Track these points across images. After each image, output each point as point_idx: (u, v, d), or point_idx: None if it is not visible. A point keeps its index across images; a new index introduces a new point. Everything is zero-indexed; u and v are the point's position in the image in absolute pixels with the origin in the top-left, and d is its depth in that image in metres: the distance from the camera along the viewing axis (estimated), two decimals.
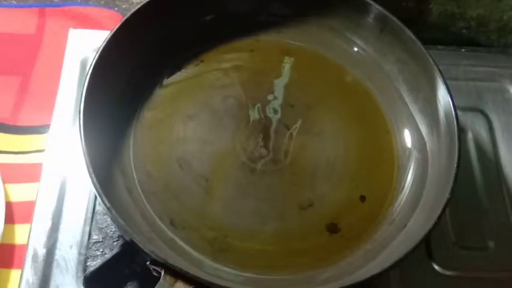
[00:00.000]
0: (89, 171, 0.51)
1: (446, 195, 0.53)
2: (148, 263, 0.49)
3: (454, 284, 0.62)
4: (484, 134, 0.72)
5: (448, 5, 0.78)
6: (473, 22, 0.80)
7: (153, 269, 0.49)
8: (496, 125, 0.73)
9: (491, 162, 0.70)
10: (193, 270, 0.48)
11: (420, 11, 0.79)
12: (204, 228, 0.56)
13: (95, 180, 0.50)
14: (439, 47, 0.76)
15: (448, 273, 0.62)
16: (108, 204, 0.50)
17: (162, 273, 0.48)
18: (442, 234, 0.64)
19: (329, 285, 0.52)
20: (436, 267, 0.62)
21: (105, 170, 0.54)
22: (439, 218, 0.52)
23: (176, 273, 0.48)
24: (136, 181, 0.58)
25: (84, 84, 0.55)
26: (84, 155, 0.51)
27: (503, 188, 0.68)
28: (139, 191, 0.57)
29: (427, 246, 0.63)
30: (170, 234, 0.56)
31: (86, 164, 0.51)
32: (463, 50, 0.80)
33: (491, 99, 0.75)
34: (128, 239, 0.51)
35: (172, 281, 0.48)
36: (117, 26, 0.59)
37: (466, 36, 0.81)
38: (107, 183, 0.52)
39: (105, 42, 0.58)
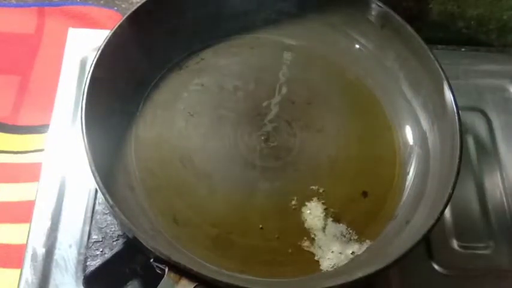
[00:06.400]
0: (91, 169, 0.51)
1: (449, 190, 0.53)
2: (151, 260, 0.49)
3: (454, 284, 0.62)
4: (484, 133, 0.72)
5: (448, 4, 0.78)
6: (473, 21, 0.80)
7: (157, 266, 0.49)
8: (496, 124, 0.73)
9: (491, 162, 0.70)
10: (197, 267, 0.47)
11: (420, 11, 0.79)
12: (206, 225, 0.56)
13: (97, 178, 0.50)
14: (438, 46, 0.77)
15: (448, 273, 0.62)
16: (111, 202, 0.49)
17: (166, 270, 0.48)
18: (442, 234, 0.64)
19: (334, 280, 0.52)
20: (436, 267, 0.62)
21: (107, 168, 0.53)
22: (442, 213, 0.52)
23: (180, 270, 0.47)
24: (139, 178, 0.58)
25: (85, 83, 0.55)
26: (87, 153, 0.51)
27: (503, 187, 0.68)
28: (142, 188, 0.57)
29: (427, 246, 0.63)
30: (173, 231, 0.55)
31: (89, 161, 0.51)
32: (463, 49, 0.80)
33: (491, 98, 0.74)
34: (131, 236, 0.50)
35: (176, 278, 0.47)
36: (118, 25, 0.59)
37: (466, 36, 0.82)
38: (108, 181, 0.52)
39: (105, 41, 0.58)
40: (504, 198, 0.68)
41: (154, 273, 0.49)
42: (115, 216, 0.53)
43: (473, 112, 0.73)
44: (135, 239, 0.49)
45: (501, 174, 0.69)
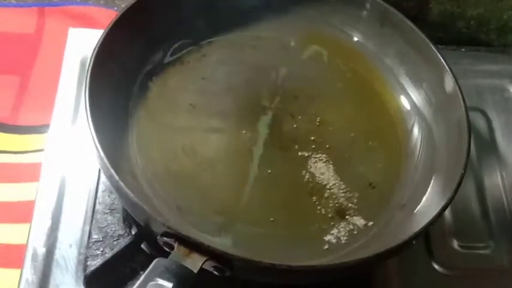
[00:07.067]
0: (98, 150, 0.50)
1: (460, 170, 0.53)
2: (159, 237, 0.48)
3: (454, 284, 0.62)
4: (484, 133, 0.72)
5: (447, 4, 0.78)
6: (473, 21, 0.80)
7: (165, 242, 0.48)
8: (496, 124, 0.73)
9: (491, 162, 0.70)
10: (207, 241, 0.47)
11: (420, 10, 0.79)
12: (211, 213, 0.56)
13: (102, 154, 0.50)
14: (438, 46, 0.76)
15: (448, 272, 0.62)
16: (116, 177, 0.49)
17: (176, 245, 0.47)
18: (442, 234, 0.64)
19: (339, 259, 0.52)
20: (436, 266, 0.62)
21: (110, 157, 0.52)
22: (456, 191, 0.52)
23: (190, 244, 0.46)
24: (141, 167, 0.57)
25: (86, 76, 0.55)
26: (93, 137, 0.51)
27: (503, 187, 0.68)
28: (144, 176, 0.57)
29: (427, 246, 0.63)
30: (178, 219, 0.55)
31: (95, 144, 0.50)
32: (463, 49, 0.80)
33: (491, 98, 0.75)
34: (137, 211, 0.50)
35: (186, 252, 0.46)
36: (114, 20, 0.59)
37: (466, 36, 0.82)
38: (112, 167, 0.51)
39: (102, 37, 0.57)
40: (504, 198, 0.68)
41: (165, 248, 0.49)
42: (120, 195, 0.51)
43: (473, 112, 0.73)
44: (143, 213, 0.48)
45: (501, 174, 0.69)
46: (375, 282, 0.60)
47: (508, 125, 0.73)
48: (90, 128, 0.51)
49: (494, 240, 0.65)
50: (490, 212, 0.67)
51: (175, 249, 0.47)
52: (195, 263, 0.46)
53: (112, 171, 0.49)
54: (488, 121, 0.73)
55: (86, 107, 0.53)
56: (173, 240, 0.47)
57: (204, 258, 0.46)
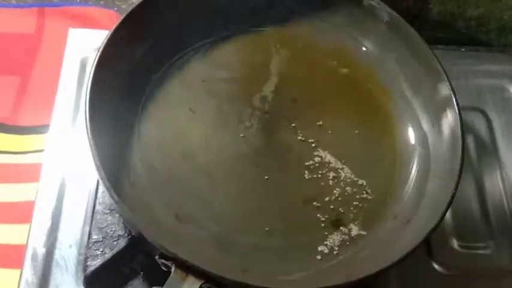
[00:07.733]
0: (96, 165, 0.50)
1: (451, 190, 0.54)
2: (157, 257, 0.49)
3: (454, 284, 0.62)
4: (484, 133, 0.72)
5: (447, 4, 0.78)
6: (473, 21, 0.80)
7: (162, 263, 0.48)
8: (496, 124, 0.73)
9: (491, 162, 0.70)
10: (203, 264, 0.47)
11: (420, 10, 0.79)
12: (209, 222, 0.56)
13: (102, 173, 0.50)
14: (438, 46, 0.76)
15: (448, 272, 0.62)
16: (116, 198, 0.49)
17: (173, 267, 0.48)
18: (442, 234, 0.64)
19: (333, 279, 0.52)
20: (436, 266, 0.62)
21: (109, 164, 0.53)
22: (444, 213, 0.53)
23: (187, 267, 0.47)
24: (141, 174, 0.57)
25: (88, 82, 0.55)
26: (92, 149, 0.51)
27: (503, 187, 0.68)
28: (144, 184, 0.57)
29: (427, 246, 0.63)
30: (175, 228, 0.55)
31: (94, 157, 0.51)
32: (462, 49, 0.80)
33: (491, 98, 0.75)
34: (136, 233, 0.50)
35: (183, 275, 0.47)
36: (117, 25, 0.59)
37: (466, 36, 0.82)
38: (111, 177, 0.51)
39: (105, 42, 0.57)
40: (504, 198, 0.68)
41: (154, 273, 0.49)
42: (120, 213, 0.52)
43: (473, 112, 0.73)
44: (141, 236, 0.49)
45: (501, 174, 0.69)
46: (374, 282, 0.60)
47: (508, 125, 0.73)
48: (88, 137, 0.52)
49: (494, 240, 0.65)
50: (490, 212, 0.66)
51: (172, 272, 0.48)
52: (192, 285, 0.47)
53: (113, 192, 0.49)
54: (488, 121, 0.73)
55: (85, 112, 0.53)
56: (170, 262, 0.48)
57: (200, 282, 0.47)
